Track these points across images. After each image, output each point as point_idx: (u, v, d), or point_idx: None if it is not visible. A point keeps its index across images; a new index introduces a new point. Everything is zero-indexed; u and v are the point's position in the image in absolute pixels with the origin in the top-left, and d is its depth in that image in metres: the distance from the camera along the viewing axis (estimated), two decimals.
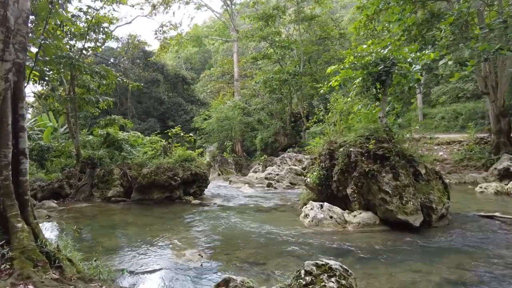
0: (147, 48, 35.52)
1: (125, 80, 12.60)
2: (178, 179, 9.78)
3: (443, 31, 11.38)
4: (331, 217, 6.61)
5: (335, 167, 7.51)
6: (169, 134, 12.01)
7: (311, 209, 6.96)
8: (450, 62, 8.69)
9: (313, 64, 24.49)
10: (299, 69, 22.38)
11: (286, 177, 13.13)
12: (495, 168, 11.63)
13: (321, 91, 8.75)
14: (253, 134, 23.94)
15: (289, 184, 12.79)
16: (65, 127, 20.48)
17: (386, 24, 14.37)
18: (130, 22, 27.91)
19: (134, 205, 9.58)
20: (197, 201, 9.70)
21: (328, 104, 8.82)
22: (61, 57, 9.44)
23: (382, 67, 6.88)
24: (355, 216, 6.66)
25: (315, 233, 6.19)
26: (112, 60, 33.84)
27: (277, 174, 13.58)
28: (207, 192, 11.53)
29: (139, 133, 14.43)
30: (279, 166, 14.55)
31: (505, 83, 15.54)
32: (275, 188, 12.52)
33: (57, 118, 19.63)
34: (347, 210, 7.00)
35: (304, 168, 13.49)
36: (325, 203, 6.86)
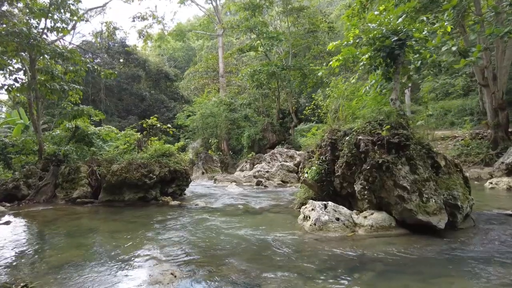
0: (127, 42, 33.84)
1: (95, 67, 11.16)
2: (154, 177, 8.44)
3: (445, 15, 10.50)
4: (337, 219, 5.44)
5: (339, 159, 6.38)
6: (144, 125, 10.62)
7: (312, 209, 5.79)
8: (454, 48, 7.69)
9: (302, 58, 23.42)
10: (287, 63, 21.27)
11: (277, 174, 11.95)
12: (502, 162, 10.78)
13: (319, 73, 7.61)
14: (239, 131, 22.68)
15: (280, 182, 11.61)
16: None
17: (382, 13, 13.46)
18: (103, 6, 25.88)
19: (103, 208, 8.18)
20: (176, 202, 8.38)
21: (328, 89, 7.68)
22: (13, 33, 7.96)
23: (395, 39, 5.78)
24: (366, 217, 5.52)
25: (320, 239, 5.02)
26: (90, 55, 31.92)
27: (267, 172, 12.38)
28: (188, 192, 10.23)
29: (113, 128, 12.97)
30: (269, 162, 13.35)
31: (505, 74, 14.83)
32: (265, 186, 11.32)
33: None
34: (355, 211, 5.86)
35: (296, 165, 12.35)
36: (330, 203, 5.69)
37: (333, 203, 5.69)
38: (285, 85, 21.33)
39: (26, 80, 10.82)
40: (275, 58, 23.05)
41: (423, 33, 6.03)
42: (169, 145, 9.70)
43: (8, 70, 11.14)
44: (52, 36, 10.66)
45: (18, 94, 12.52)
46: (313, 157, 7.48)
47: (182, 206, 8.08)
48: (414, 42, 5.90)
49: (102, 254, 4.56)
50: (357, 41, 6.67)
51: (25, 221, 6.83)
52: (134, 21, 21.58)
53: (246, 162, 17.61)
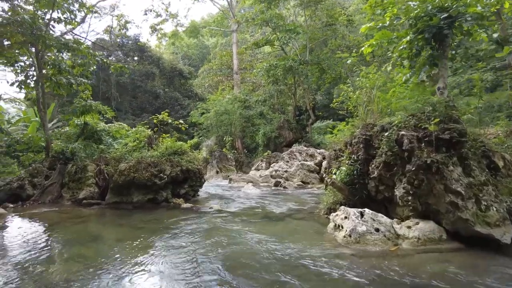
0: (141, 39, 33.51)
1: (105, 60, 10.58)
2: (165, 176, 7.74)
3: None
4: (377, 230, 4.60)
5: (375, 159, 5.52)
6: (154, 121, 9.94)
7: (346, 218, 4.96)
8: (495, 35, 6.68)
9: (320, 52, 22.41)
10: (304, 57, 20.33)
11: (296, 174, 11.10)
12: None
13: (348, 61, 6.74)
14: (254, 129, 21.87)
15: (300, 183, 10.76)
16: (53, 122, 18.48)
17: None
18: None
19: (110, 210, 7.54)
20: (188, 205, 7.66)
21: (357, 79, 6.79)
22: (15, 22, 7.38)
23: (445, 16, 4.87)
24: (410, 227, 4.65)
25: (357, 254, 4.19)
26: (104, 52, 31.72)
27: (286, 171, 11.54)
28: (202, 192, 9.53)
29: (124, 124, 12.40)
30: (287, 162, 12.50)
31: None
32: (284, 187, 10.50)
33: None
34: (395, 219, 5.00)
35: (317, 164, 11.47)
36: (367, 210, 4.85)
37: (371, 211, 4.84)
38: (302, 80, 20.40)
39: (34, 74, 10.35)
40: (292, 53, 22.11)
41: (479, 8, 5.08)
42: (181, 142, 9.01)
43: (19, 66, 10.72)
44: (60, 28, 10.09)
45: (30, 91, 12.12)
46: (342, 156, 6.64)
47: (195, 210, 7.35)
48: (466, 21, 4.97)
49: (100, 271, 3.86)
50: (394, 22, 5.78)
51: (24, 226, 6.24)
52: (146, 14, 21.04)
53: (261, 161, 16.81)
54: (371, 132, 5.65)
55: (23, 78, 10.61)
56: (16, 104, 31.63)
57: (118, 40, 32.79)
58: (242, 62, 31.47)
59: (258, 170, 14.99)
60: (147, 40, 27.13)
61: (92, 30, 37.74)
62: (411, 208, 4.81)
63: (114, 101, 25.56)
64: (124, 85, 31.85)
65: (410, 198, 4.77)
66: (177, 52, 46.99)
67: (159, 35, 24.73)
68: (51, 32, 8.99)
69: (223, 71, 33.37)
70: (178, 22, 32.14)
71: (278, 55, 24.51)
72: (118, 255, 4.39)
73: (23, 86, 10.83)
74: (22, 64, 10.55)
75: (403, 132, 4.86)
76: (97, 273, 3.75)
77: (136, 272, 3.74)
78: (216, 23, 33.13)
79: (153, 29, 22.82)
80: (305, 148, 13.22)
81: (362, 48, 6.28)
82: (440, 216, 4.63)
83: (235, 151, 21.16)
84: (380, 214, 4.86)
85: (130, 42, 33.96)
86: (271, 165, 13.81)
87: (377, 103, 5.76)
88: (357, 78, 6.75)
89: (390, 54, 6.46)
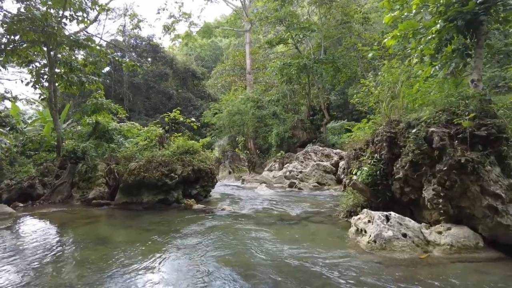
0: (154, 40, 33.63)
1: (117, 58, 10.43)
2: (176, 176, 7.47)
3: None
4: (404, 235, 4.18)
5: (400, 158, 5.09)
6: (166, 119, 9.69)
7: (369, 221, 4.56)
8: None
9: (335, 50, 21.91)
10: (319, 56, 19.87)
11: (312, 175, 10.68)
12: None
13: (369, 55, 6.33)
14: (267, 129, 21.52)
15: (316, 184, 10.34)
16: (68, 122, 18.59)
17: None
18: None
19: (119, 211, 7.31)
20: (200, 206, 7.35)
21: (379, 74, 6.36)
22: (27, 19, 7.25)
23: (481, 0, 4.42)
24: (441, 233, 4.22)
25: (383, 262, 3.79)
26: (118, 53, 31.93)
27: (300, 172, 11.14)
28: (214, 193, 9.23)
29: (136, 124, 12.24)
30: (302, 162, 12.09)
31: None
32: (299, 189, 10.10)
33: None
34: (423, 224, 4.57)
35: (334, 165, 11.02)
36: (393, 214, 4.43)
37: (397, 214, 4.42)
38: (317, 79, 19.94)
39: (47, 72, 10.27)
40: (305, 52, 21.68)
41: None
42: (193, 141, 8.74)
43: (34, 66, 10.67)
44: (74, 28, 9.97)
45: (44, 91, 12.10)
46: (362, 155, 6.23)
47: (206, 211, 7.05)
48: (504, 6, 4.52)
49: (108, 275, 3.58)
50: (421, 10, 5.35)
51: (30, 226, 6.05)
52: (159, 13, 21.00)
53: (274, 161, 16.43)
54: (396, 130, 5.22)
55: (36, 78, 10.57)
56: (34, 106, 32.15)
57: (132, 41, 33.02)
58: (255, 62, 31.24)
59: (271, 171, 14.62)
60: (159, 38, 27.14)
61: (106, 31, 38.08)
62: (441, 211, 4.37)
63: (128, 101, 25.60)
64: (137, 86, 32.01)
65: (440, 200, 4.34)
66: (191, 54, 47.10)
67: (173, 36, 24.64)
68: (62, 30, 8.86)
69: (236, 72, 33.19)
70: (192, 22, 32.04)
71: (291, 55, 24.11)
72: (123, 259, 4.11)
73: (37, 86, 10.82)
74: (38, 64, 10.52)
75: (433, 129, 4.43)
76: (103, 278, 3.47)
77: (142, 278, 3.45)
78: (229, 23, 33.01)
79: (167, 28, 22.75)
80: (321, 148, 12.77)
81: (385, 40, 5.86)
82: (475, 221, 4.19)
83: (248, 152, 20.85)
84: (407, 218, 4.44)
85: (143, 43, 34.14)
86: (285, 166, 13.43)
87: (402, 98, 5.33)
88: (379, 73, 6.33)
89: (410, 49, 6.03)
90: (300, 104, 23.85)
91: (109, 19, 28.44)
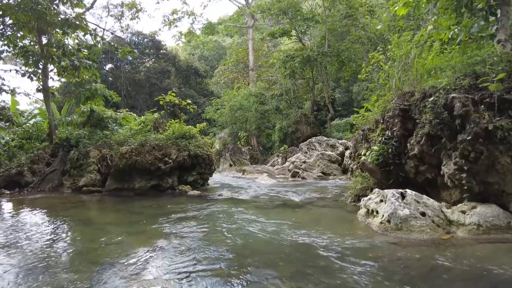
0: (157, 37, 33.34)
1: (112, 44, 10.00)
2: (170, 161, 6.98)
3: None
4: (423, 214, 3.65)
5: (415, 133, 4.56)
6: (161, 102, 9.22)
7: (381, 201, 4.03)
8: None
9: (339, 43, 21.36)
10: (323, 49, 19.35)
11: (316, 165, 10.14)
12: None
13: (378, 27, 5.82)
14: (270, 125, 21.01)
15: (321, 174, 9.79)
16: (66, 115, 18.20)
17: None
18: None
19: (109, 197, 6.82)
20: (196, 192, 6.86)
21: (389, 49, 5.83)
22: None
23: None
24: (464, 212, 3.68)
25: (400, 243, 3.26)
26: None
27: (304, 162, 10.60)
28: (212, 182, 8.74)
29: (132, 113, 11.80)
30: (305, 152, 11.54)
31: None
32: (303, 178, 9.56)
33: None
34: (443, 203, 4.03)
35: (340, 154, 10.46)
36: (409, 191, 3.90)
37: (414, 192, 3.89)
38: (321, 73, 19.40)
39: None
40: (311, 43, 21.17)
41: None
42: (190, 126, 8.26)
43: (31, 57, 10.24)
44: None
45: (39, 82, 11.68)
46: (370, 136, 5.71)
47: (202, 197, 6.55)
48: None
49: (76, 255, 3.10)
50: None
51: (11, 211, 5.60)
52: (158, 3, 20.60)
53: (277, 156, 15.92)
54: (410, 102, 4.69)
55: (25, 60, 10.06)
56: (39, 106, 31.90)
57: (134, 38, 32.73)
58: (258, 59, 30.83)
59: (274, 165, 14.10)
60: (159, 29, 26.89)
61: (108, 29, 37.82)
62: (465, 188, 3.82)
63: (123, 90, 25.24)
64: (139, 83, 31.69)
65: (464, 175, 3.79)
66: (194, 53, 46.76)
67: (174, 32, 24.28)
68: (54, 10, 8.44)
69: (239, 68, 32.77)
70: (195, 16, 31.68)
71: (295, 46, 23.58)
72: (105, 237, 3.64)
73: (33, 78, 10.41)
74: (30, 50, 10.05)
75: (454, 95, 3.90)
76: (66, 259, 2.98)
77: (115, 261, 2.95)
78: (232, 21, 32.66)
79: (169, 23, 22.37)
80: (325, 138, 12.23)
81: (396, 8, 5.34)
82: (505, 198, 3.65)
83: (250, 147, 20.35)
84: (425, 196, 3.91)
85: (145, 39, 33.83)
86: (288, 160, 12.91)
87: (416, 68, 4.80)
88: (389, 46, 5.82)
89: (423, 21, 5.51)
90: (304, 99, 23.33)
91: (110, 16, 28.02)
